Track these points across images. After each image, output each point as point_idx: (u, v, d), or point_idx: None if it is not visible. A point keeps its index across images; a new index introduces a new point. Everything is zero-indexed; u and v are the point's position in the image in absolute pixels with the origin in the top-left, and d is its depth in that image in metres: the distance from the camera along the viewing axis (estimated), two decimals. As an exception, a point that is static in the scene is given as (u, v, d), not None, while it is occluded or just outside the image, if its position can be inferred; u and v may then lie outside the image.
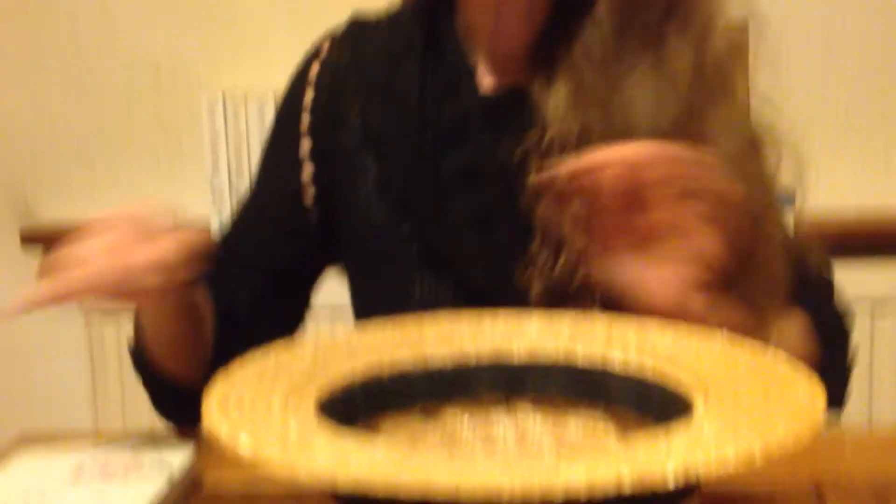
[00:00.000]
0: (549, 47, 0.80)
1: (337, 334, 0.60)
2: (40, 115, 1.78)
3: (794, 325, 0.77)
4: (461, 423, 0.58)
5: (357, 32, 0.90)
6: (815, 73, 1.68)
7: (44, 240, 1.76)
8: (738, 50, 0.81)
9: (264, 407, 0.48)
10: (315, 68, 0.89)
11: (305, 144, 0.88)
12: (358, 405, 0.54)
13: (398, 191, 0.84)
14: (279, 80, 0.91)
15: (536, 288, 0.77)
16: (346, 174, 0.86)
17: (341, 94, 0.87)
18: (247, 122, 1.64)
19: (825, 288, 0.85)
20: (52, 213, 1.81)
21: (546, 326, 0.61)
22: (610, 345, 0.58)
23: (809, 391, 0.47)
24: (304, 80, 0.89)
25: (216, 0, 1.73)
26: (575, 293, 0.76)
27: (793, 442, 0.41)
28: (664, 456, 0.40)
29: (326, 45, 0.90)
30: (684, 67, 0.76)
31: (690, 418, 0.46)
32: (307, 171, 0.88)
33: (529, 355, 0.58)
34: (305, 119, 0.88)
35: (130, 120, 1.78)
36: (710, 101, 0.76)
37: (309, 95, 0.89)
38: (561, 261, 0.76)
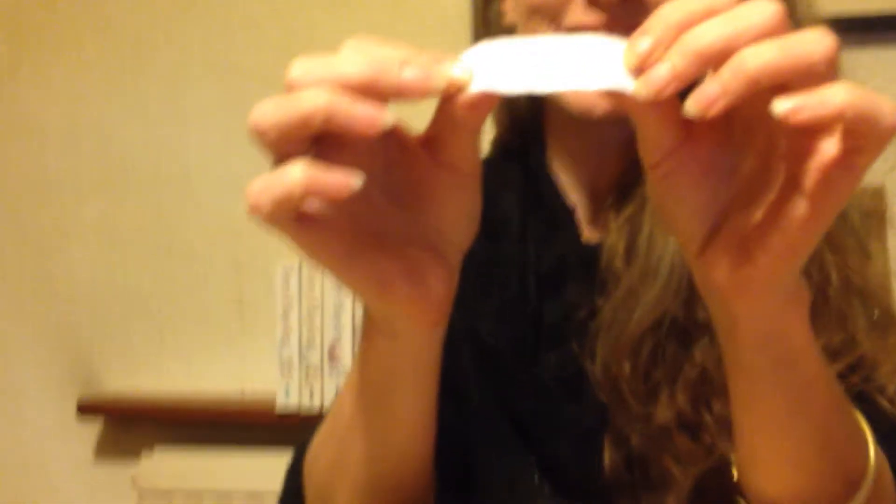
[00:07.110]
0: (626, 190, 0.72)
1: None
2: (114, 283, 1.77)
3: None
4: None
5: None
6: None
7: (103, 410, 1.73)
8: (875, 214, 0.78)
9: None
10: None
11: None
12: None
13: (493, 339, 0.73)
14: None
15: (610, 457, 0.68)
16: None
17: None
18: (322, 292, 1.58)
19: None
20: (115, 383, 1.76)
21: None
22: None
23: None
24: None
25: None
26: (652, 468, 0.67)
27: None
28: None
29: None
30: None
31: None
32: None
33: None
34: None
35: (206, 290, 1.75)
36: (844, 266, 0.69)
37: None
38: (637, 432, 0.67)
